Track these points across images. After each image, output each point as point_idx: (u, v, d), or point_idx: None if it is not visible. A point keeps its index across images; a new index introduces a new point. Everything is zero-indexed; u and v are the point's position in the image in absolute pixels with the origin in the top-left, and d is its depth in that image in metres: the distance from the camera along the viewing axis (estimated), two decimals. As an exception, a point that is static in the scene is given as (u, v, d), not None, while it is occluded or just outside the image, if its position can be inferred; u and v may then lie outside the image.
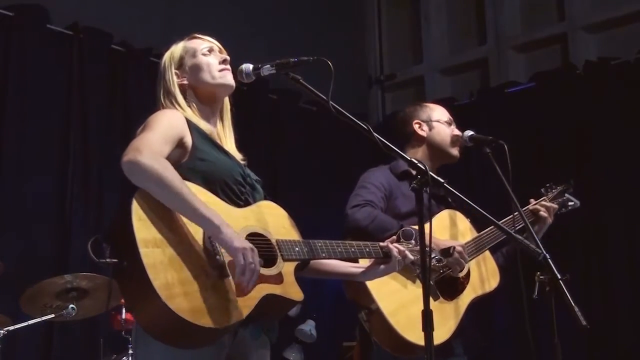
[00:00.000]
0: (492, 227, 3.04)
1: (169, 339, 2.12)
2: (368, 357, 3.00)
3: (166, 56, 2.54)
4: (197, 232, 2.19)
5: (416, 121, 3.31)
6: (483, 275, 3.08)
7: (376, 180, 3.17)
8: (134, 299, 2.16)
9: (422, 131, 3.29)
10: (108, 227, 2.32)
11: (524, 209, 3.15)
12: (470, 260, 3.05)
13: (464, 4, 6.82)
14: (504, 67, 6.33)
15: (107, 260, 2.16)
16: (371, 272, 2.59)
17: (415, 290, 2.89)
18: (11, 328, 3.70)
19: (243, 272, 2.12)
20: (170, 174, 2.14)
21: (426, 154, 3.23)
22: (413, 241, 2.59)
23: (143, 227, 2.10)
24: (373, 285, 2.85)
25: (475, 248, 3.08)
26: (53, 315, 3.82)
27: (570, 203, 3.43)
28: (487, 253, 3.14)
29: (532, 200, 3.31)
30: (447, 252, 2.75)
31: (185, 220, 2.18)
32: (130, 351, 3.79)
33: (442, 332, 2.85)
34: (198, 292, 2.10)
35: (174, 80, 2.48)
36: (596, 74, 5.51)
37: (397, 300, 2.88)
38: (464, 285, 3.01)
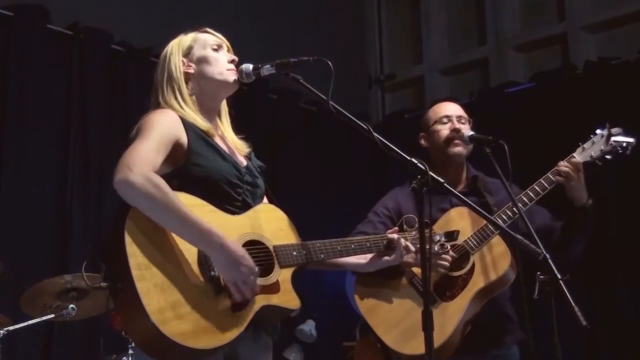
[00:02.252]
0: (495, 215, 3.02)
1: (163, 358, 2.13)
2: None
3: (173, 43, 2.49)
4: (192, 250, 2.19)
5: (420, 135, 3.32)
6: (491, 262, 3.02)
7: (380, 206, 3.24)
8: (128, 320, 2.17)
9: (426, 143, 3.29)
10: (102, 246, 2.33)
11: (544, 176, 3.10)
12: (477, 251, 3.03)
13: (464, 4, 6.83)
14: (504, 67, 6.33)
15: (102, 284, 2.18)
16: (373, 264, 2.60)
17: (406, 304, 2.96)
18: (11, 328, 3.70)
19: (239, 292, 2.16)
20: (162, 193, 2.11)
21: (437, 163, 3.18)
22: (416, 227, 2.58)
23: (136, 250, 2.10)
24: (366, 309, 2.97)
25: (481, 238, 3.03)
26: (53, 315, 3.82)
27: (624, 144, 3.12)
28: (497, 237, 3.05)
29: (560, 162, 3.14)
30: (451, 235, 2.69)
31: (179, 238, 2.18)
32: (131, 351, 3.79)
33: (440, 335, 2.85)
34: (192, 314, 2.10)
35: (179, 66, 2.43)
36: (596, 74, 5.51)
37: (389, 320, 2.96)
38: (466, 281, 3.00)
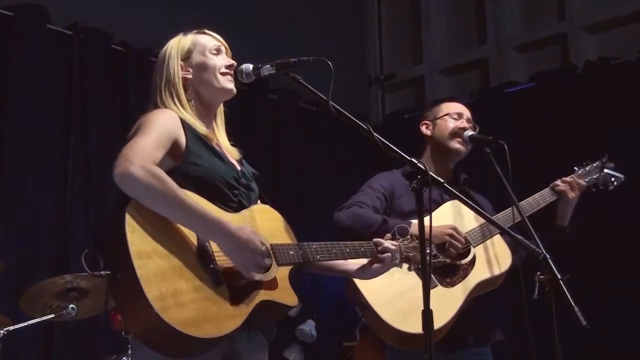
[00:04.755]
0: (501, 213, 3.08)
1: (163, 349, 2.11)
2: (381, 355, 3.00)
3: (172, 44, 2.47)
4: (191, 242, 2.18)
5: (423, 122, 3.37)
6: (491, 259, 3.05)
7: (375, 183, 3.26)
8: (128, 310, 2.14)
9: (428, 131, 3.34)
10: (102, 237, 2.32)
11: (544, 190, 3.19)
12: (477, 246, 3.04)
13: (464, 4, 6.83)
14: (504, 67, 6.33)
15: (102, 272, 2.16)
16: (367, 270, 2.59)
17: (403, 281, 2.89)
18: (11, 328, 3.69)
19: (248, 274, 2.18)
20: (163, 184, 2.11)
21: (433, 153, 3.26)
22: (409, 237, 2.59)
23: (136, 239, 2.08)
24: (361, 282, 2.88)
25: (481, 235, 3.06)
26: (53, 315, 3.81)
27: (613, 179, 3.34)
28: (498, 236, 3.10)
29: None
30: (443, 247, 2.74)
31: (179, 230, 2.17)
32: (130, 351, 3.79)
33: (439, 319, 2.84)
34: (192, 303, 2.09)
35: (178, 71, 2.42)
36: (596, 74, 5.51)
37: (386, 293, 2.90)
38: (467, 272, 3.01)
